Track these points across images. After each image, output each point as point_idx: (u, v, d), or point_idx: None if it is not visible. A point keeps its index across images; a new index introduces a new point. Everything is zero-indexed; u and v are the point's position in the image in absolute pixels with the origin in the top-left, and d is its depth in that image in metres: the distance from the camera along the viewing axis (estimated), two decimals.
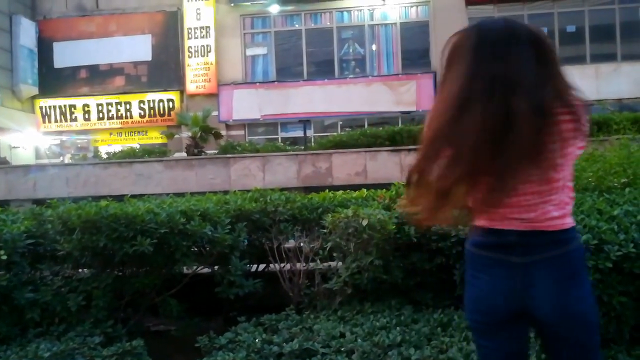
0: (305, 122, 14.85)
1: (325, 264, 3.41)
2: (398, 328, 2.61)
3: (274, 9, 18.67)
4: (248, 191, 4.04)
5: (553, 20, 19.57)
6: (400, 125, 14.76)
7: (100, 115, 19.17)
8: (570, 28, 19.46)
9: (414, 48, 19.27)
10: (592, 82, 19.01)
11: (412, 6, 19.41)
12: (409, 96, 18.46)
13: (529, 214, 1.38)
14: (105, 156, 14.60)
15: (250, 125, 19.02)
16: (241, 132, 18.73)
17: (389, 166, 10.06)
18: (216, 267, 3.42)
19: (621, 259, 2.08)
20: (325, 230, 3.28)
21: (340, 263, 3.20)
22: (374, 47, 19.48)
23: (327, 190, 4.23)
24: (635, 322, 2.19)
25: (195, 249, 3.31)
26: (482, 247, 1.50)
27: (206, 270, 3.51)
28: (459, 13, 19.03)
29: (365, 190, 4.63)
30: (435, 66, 18.84)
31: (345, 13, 19.38)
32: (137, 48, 19.15)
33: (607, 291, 2.10)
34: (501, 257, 1.45)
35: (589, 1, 19.23)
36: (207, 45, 18.76)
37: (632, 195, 2.79)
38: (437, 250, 2.96)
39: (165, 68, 19.31)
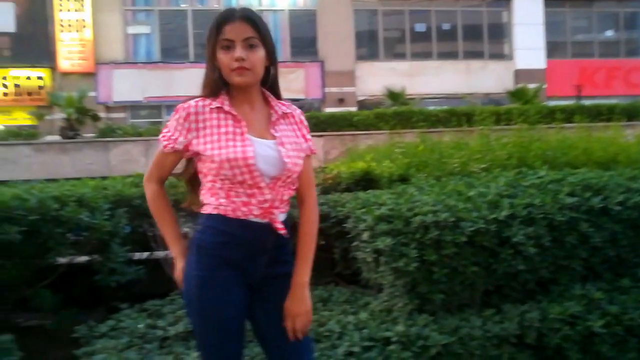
0: None
1: None
2: None
3: None
4: (130, 177, 3.90)
5: (431, 17, 20.95)
6: None
7: None
8: (446, 26, 20.99)
9: (302, 36, 19.52)
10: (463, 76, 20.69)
11: None
12: (297, 84, 18.71)
13: None
14: None
15: (133, 107, 18.01)
16: (122, 115, 17.67)
17: None
18: (95, 256, 3.28)
19: (473, 234, 2.39)
20: None
21: None
22: None
23: None
24: (485, 288, 2.53)
25: (71, 236, 3.14)
26: None
27: (84, 259, 3.34)
28: (344, 3, 19.61)
29: None
30: (323, 55, 19.31)
31: None
32: None
33: (462, 262, 2.40)
34: None
35: (460, 2, 20.82)
36: (82, 20, 17.33)
37: (487, 179, 3.17)
38: (319, 231, 3.12)
39: (32, 42, 17.52)
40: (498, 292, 2.58)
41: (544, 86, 18.57)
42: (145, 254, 3.76)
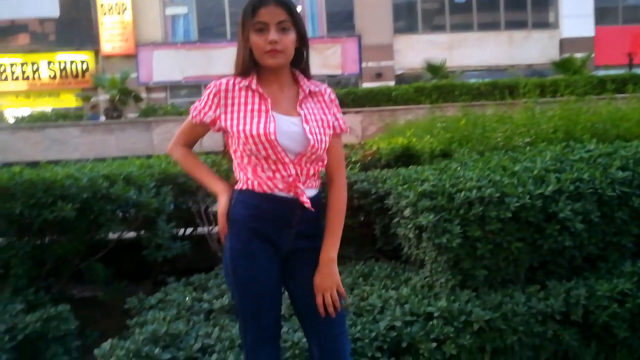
0: None
1: None
2: None
3: None
4: None
5: None
6: None
7: (3, 77, 17.64)
8: None
9: (338, 10, 19.24)
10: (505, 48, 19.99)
11: None
12: (335, 59, 18.54)
13: None
14: (12, 120, 13.56)
15: (172, 87, 18.34)
16: (162, 95, 18.03)
17: None
18: (142, 232, 3.40)
19: (519, 209, 2.34)
20: None
21: None
22: (299, 8, 19.20)
23: None
24: (529, 264, 2.49)
25: (120, 213, 3.26)
26: None
27: (132, 234, 3.48)
28: None
29: None
30: (360, 29, 19.01)
31: None
32: (42, 3, 17.64)
33: (507, 238, 2.36)
34: None
35: None
36: (122, 3, 17.64)
37: (532, 153, 3.08)
38: (359, 207, 3.13)
39: (76, 26, 18.00)
40: (543, 268, 2.53)
41: (592, 55, 17.69)
42: (189, 230, 3.87)
